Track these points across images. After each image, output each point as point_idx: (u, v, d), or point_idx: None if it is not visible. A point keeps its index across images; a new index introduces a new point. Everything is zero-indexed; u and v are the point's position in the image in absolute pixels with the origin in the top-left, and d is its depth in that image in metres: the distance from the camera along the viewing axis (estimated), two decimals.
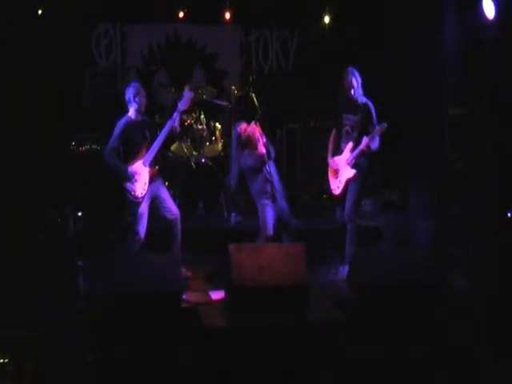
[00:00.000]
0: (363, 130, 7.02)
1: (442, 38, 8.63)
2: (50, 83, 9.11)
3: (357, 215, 7.30)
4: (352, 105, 7.12)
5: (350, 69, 7.13)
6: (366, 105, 7.08)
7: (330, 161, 7.31)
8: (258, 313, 5.66)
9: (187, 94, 7.11)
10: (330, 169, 7.35)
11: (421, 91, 8.75)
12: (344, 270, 7.18)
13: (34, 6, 9.09)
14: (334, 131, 7.39)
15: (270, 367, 5.34)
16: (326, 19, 10.36)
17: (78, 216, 8.21)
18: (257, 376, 5.30)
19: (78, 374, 5.07)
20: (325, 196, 9.69)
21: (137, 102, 6.87)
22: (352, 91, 7.06)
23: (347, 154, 7.12)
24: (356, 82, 7.06)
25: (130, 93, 6.90)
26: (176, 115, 7.03)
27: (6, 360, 4.68)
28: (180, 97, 7.28)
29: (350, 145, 7.09)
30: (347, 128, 7.17)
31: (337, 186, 7.26)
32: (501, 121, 7.03)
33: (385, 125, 6.87)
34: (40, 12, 9.23)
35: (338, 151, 7.29)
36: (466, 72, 8.18)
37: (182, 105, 7.06)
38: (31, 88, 8.80)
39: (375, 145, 6.96)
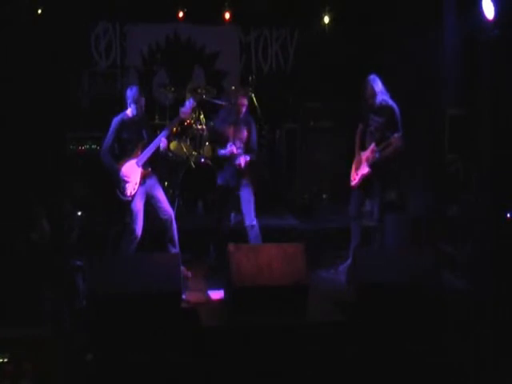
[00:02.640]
0: (385, 131, 7.08)
1: (441, 37, 8.64)
2: (49, 83, 9.10)
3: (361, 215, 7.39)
4: (377, 107, 7.17)
5: (371, 77, 7.22)
6: (391, 108, 7.12)
7: (356, 154, 7.39)
8: (257, 313, 5.67)
9: (190, 103, 7.09)
10: (355, 160, 7.40)
11: (420, 91, 8.75)
12: (344, 269, 7.21)
13: (33, 6, 9.08)
14: (360, 126, 7.43)
15: (269, 367, 5.35)
16: (326, 19, 10.37)
17: (77, 215, 8.20)
18: (256, 376, 5.30)
19: (77, 374, 5.08)
20: (324, 196, 9.71)
21: (134, 107, 6.90)
22: (374, 99, 7.15)
23: (368, 153, 7.18)
24: (377, 89, 7.14)
25: (128, 96, 6.91)
26: (174, 122, 7.16)
27: (6, 360, 4.68)
28: (182, 104, 7.27)
29: (373, 145, 7.15)
30: (371, 128, 7.23)
31: (354, 177, 7.35)
32: (500, 121, 7.03)
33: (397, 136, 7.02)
34: (40, 11, 9.23)
35: (364, 146, 7.34)
36: (466, 72, 8.17)
37: (184, 113, 7.07)
38: (30, 88, 8.79)
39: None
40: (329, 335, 5.59)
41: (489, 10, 6.76)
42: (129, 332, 5.41)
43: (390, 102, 7.15)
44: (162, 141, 6.96)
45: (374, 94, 7.13)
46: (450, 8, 8.55)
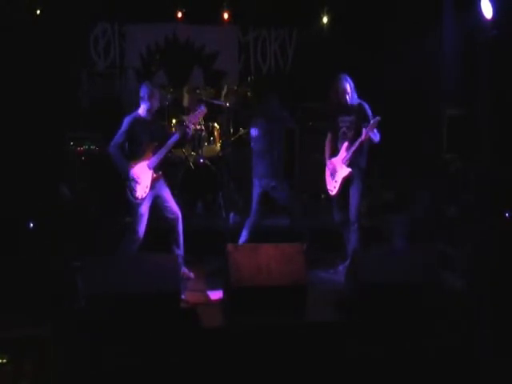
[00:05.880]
0: (359, 128, 7.06)
1: (440, 38, 8.65)
2: (48, 83, 9.10)
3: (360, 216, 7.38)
4: (346, 108, 7.19)
5: (343, 75, 7.22)
6: (360, 105, 7.14)
7: (328, 163, 7.38)
8: (256, 313, 5.67)
9: (201, 109, 7.05)
10: (327, 170, 7.41)
11: (419, 91, 8.77)
12: (343, 269, 7.20)
13: (32, 6, 9.10)
14: (329, 135, 7.44)
15: (268, 367, 5.34)
16: (325, 19, 10.38)
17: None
18: (256, 376, 5.30)
19: (77, 374, 5.07)
20: (323, 196, 9.72)
21: (149, 102, 6.77)
22: (347, 97, 7.16)
23: (343, 153, 7.19)
24: (350, 87, 7.16)
25: (143, 92, 6.79)
26: (188, 127, 6.96)
27: (5, 360, 4.69)
28: (191, 107, 7.21)
29: (346, 144, 7.15)
30: (343, 129, 7.24)
31: (333, 186, 7.33)
32: (499, 120, 7.04)
33: (378, 118, 6.92)
34: (38, 12, 9.24)
35: (335, 153, 7.34)
36: (465, 72, 8.19)
37: (194, 119, 7.04)
38: (29, 88, 8.80)
39: (376, 137, 7.01)
40: (328, 335, 5.59)
41: (487, 10, 6.77)
42: (128, 332, 5.41)
43: (359, 101, 7.16)
44: (187, 131, 6.89)
45: (347, 92, 7.12)
46: (448, 8, 8.58)
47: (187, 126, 6.95)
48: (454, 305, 6.10)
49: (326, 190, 7.53)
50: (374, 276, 5.91)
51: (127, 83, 10.46)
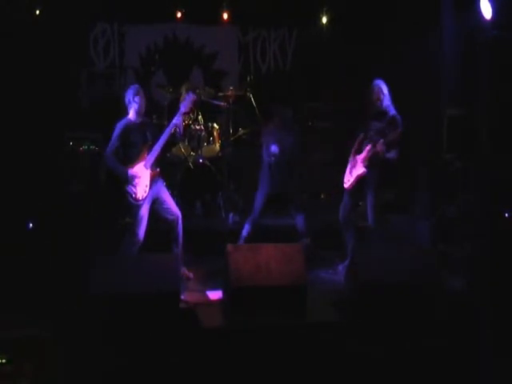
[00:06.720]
0: (385, 135, 7.10)
1: (440, 38, 8.65)
2: (48, 83, 9.10)
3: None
4: (381, 113, 7.23)
5: (377, 82, 7.27)
6: (394, 117, 7.15)
7: (351, 158, 7.45)
8: (256, 313, 5.67)
9: (189, 96, 7.04)
10: (349, 165, 7.46)
11: (419, 91, 8.76)
12: (343, 269, 7.21)
13: (32, 6, 9.10)
14: (361, 135, 7.45)
15: (268, 367, 5.34)
16: (324, 19, 10.38)
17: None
18: (256, 376, 5.30)
19: (77, 374, 5.07)
20: (322, 196, 9.73)
21: (136, 103, 6.79)
22: (379, 103, 7.22)
23: (364, 153, 7.22)
24: (382, 94, 7.21)
25: (129, 94, 6.83)
26: (178, 117, 6.93)
27: (5, 360, 4.68)
28: (182, 99, 7.22)
29: (369, 146, 7.18)
30: (372, 133, 7.27)
31: (348, 179, 7.41)
32: (499, 121, 7.03)
33: (397, 131, 6.97)
34: (38, 12, 9.23)
35: (359, 152, 7.38)
36: (464, 72, 8.18)
37: (184, 107, 6.99)
38: (29, 88, 8.80)
39: (391, 154, 7.06)
40: (328, 335, 5.59)
41: (487, 10, 6.77)
42: (128, 332, 5.41)
43: (395, 113, 7.19)
44: (177, 123, 6.88)
45: (379, 98, 7.20)
46: (448, 8, 8.58)
47: (176, 121, 6.93)
48: (454, 305, 6.10)
49: (342, 182, 7.55)
50: (374, 276, 5.91)
51: (127, 83, 10.44)
